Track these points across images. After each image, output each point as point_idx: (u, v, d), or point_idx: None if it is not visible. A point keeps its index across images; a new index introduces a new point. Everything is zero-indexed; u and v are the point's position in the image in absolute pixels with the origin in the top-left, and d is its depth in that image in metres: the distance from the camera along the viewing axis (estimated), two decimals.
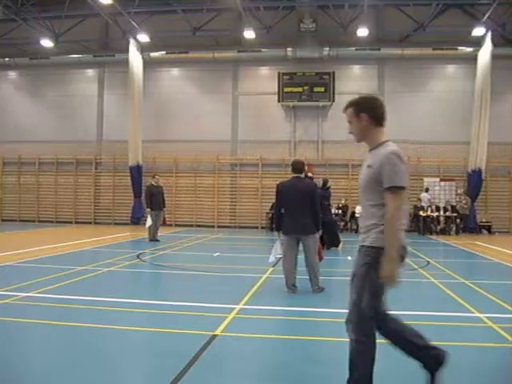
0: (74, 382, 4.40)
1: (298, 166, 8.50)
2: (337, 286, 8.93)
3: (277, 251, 8.81)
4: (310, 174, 14.70)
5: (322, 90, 24.06)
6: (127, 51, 23.81)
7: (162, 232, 17.29)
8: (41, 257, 12.13)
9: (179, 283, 9.91)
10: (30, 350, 5.31)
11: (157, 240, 16.65)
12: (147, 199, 16.79)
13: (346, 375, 3.92)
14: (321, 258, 8.61)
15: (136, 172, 24.39)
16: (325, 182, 14.99)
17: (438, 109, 23.82)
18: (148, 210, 16.70)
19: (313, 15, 22.54)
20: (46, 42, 23.87)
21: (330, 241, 14.76)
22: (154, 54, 24.98)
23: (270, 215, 23.32)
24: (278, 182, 8.82)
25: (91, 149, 26.02)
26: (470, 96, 23.01)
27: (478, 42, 22.33)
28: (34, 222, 25.80)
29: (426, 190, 22.87)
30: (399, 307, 7.34)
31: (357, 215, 22.70)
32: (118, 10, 21.68)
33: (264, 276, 9.93)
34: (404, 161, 3.76)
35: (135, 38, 23.72)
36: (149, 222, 16.60)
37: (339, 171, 23.65)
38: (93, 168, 25.99)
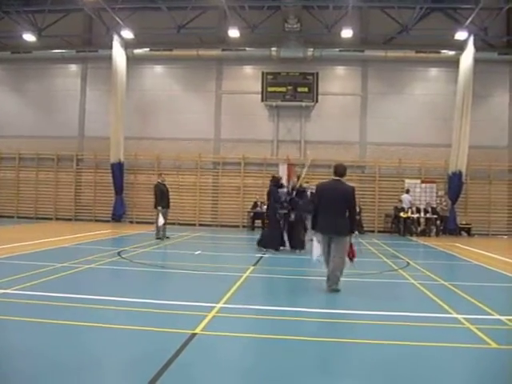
0: (51, 380, 4.37)
1: (339, 170, 8.72)
2: (318, 285, 8.95)
3: (318, 251, 8.94)
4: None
5: (306, 90, 24.12)
6: (111, 47, 23.62)
7: (142, 230, 17.24)
8: (19, 253, 12.00)
9: (159, 281, 9.89)
10: (6, 347, 5.26)
11: (167, 237, 16.72)
12: (157, 197, 16.72)
13: (327, 373, 3.93)
14: (351, 258, 8.67)
15: (117, 169, 24.24)
16: (275, 179, 14.92)
17: (420, 111, 24.04)
18: (159, 208, 16.61)
19: (297, 15, 22.56)
20: (29, 37, 23.57)
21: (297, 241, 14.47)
22: (137, 51, 24.83)
23: (252, 214, 23.36)
24: (318, 183, 9.01)
25: (73, 145, 25.80)
26: (451, 99, 23.22)
27: (460, 46, 22.53)
28: (13, 217, 25.52)
29: (407, 192, 23.03)
30: (378, 307, 7.42)
31: None
32: (101, 5, 21.50)
33: (245, 275, 9.92)
34: None
35: (119, 35, 23.54)
36: (161, 220, 16.52)
37: (321, 171, 23.63)
38: (74, 164, 25.77)
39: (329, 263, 8.54)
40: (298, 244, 14.36)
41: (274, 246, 14.20)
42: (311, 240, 9.87)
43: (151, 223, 22.39)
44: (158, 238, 16.55)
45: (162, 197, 16.65)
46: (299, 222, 14.53)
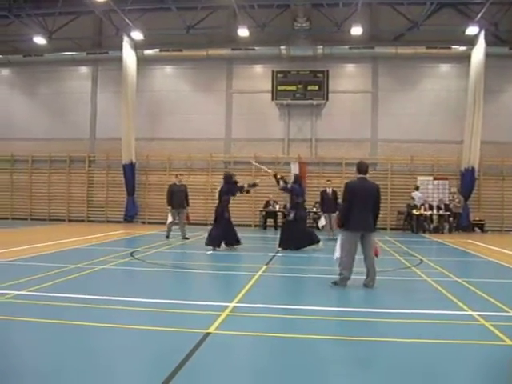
0: (65, 380, 4.38)
1: (364, 168, 8.92)
2: (332, 284, 8.92)
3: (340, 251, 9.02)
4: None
5: (316, 88, 24.06)
6: (121, 49, 23.72)
7: (154, 230, 17.35)
8: (33, 254, 12.07)
9: (172, 281, 9.91)
10: (22, 348, 5.29)
11: (186, 238, 16.89)
12: (168, 197, 17.22)
13: (342, 371, 3.92)
14: (376, 254, 8.82)
15: (129, 170, 24.34)
16: (229, 176, 14.79)
17: (431, 107, 23.90)
18: (169, 208, 17.14)
19: (307, 13, 22.53)
20: (40, 39, 23.71)
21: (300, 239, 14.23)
22: (147, 52, 24.92)
23: (264, 213, 23.34)
24: (346, 182, 9.12)
25: (84, 146, 25.95)
26: (463, 95, 23.08)
27: (471, 41, 22.37)
28: (26, 219, 25.70)
29: (417, 189, 22.91)
30: (392, 305, 7.39)
31: None
32: (111, 7, 21.58)
33: (258, 274, 9.91)
34: None
35: (129, 36, 23.63)
36: (169, 219, 17.11)
37: (332, 170, 23.65)
38: (86, 166, 25.91)
39: (352, 261, 8.65)
40: (304, 241, 14.21)
41: (215, 243, 14.09)
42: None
43: (163, 223, 22.46)
44: (166, 237, 16.86)
45: (171, 197, 17.05)
46: (300, 220, 14.40)
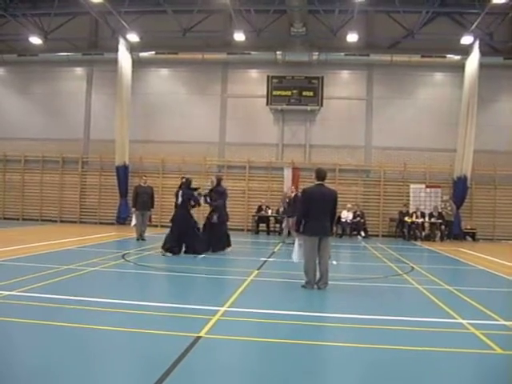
0: (52, 382, 4.37)
1: (322, 174, 9.24)
2: (324, 289, 8.93)
3: (300, 254, 9.47)
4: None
5: (311, 94, 24.11)
6: (116, 50, 23.66)
7: (146, 233, 17.34)
8: (24, 255, 12.02)
9: (164, 284, 9.90)
10: (10, 348, 5.27)
11: (143, 239, 16.98)
12: (133, 199, 17.41)
13: (332, 377, 3.92)
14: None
15: (122, 172, 24.27)
16: (189, 181, 14.55)
17: (425, 116, 24.00)
18: (133, 209, 17.30)
19: (303, 19, 22.57)
20: (35, 39, 23.65)
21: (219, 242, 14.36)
22: (143, 54, 24.89)
23: (256, 218, 23.36)
24: (304, 188, 9.57)
25: (78, 147, 25.85)
26: (457, 104, 23.17)
27: (465, 51, 22.48)
28: (18, 219, 25.58)
29: None
30: (383, 312, 7.41)
31: (342, 220, 22.78)
32: (108, 8, 21.57)
33: (249, 278, 9.91)
34: None
35: (125, 38, 23.59)
36: (133, 221, 17.25)
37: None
38: (79, 167, 25.82)
39: (314, 265, 8.93)
40: (218, 246, 14.43)
41: (204, 248, 13.98)
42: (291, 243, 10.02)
43: (155, 226, 22.42)
44: (137, 240, 16.94)
45: (135, 199, 17.19)
46: (222, 223, 14.60)
